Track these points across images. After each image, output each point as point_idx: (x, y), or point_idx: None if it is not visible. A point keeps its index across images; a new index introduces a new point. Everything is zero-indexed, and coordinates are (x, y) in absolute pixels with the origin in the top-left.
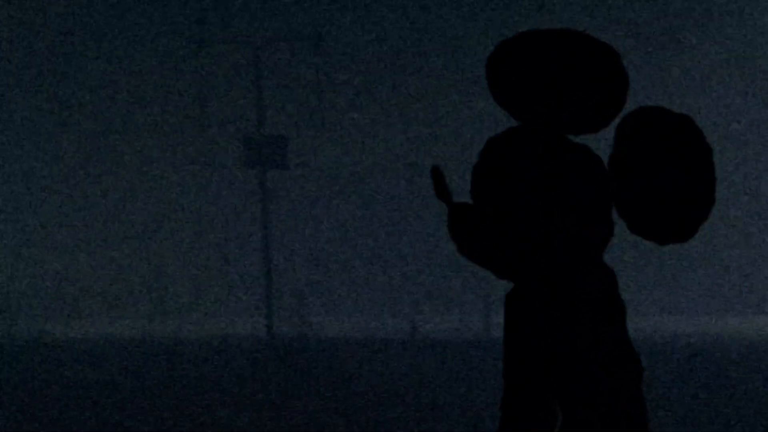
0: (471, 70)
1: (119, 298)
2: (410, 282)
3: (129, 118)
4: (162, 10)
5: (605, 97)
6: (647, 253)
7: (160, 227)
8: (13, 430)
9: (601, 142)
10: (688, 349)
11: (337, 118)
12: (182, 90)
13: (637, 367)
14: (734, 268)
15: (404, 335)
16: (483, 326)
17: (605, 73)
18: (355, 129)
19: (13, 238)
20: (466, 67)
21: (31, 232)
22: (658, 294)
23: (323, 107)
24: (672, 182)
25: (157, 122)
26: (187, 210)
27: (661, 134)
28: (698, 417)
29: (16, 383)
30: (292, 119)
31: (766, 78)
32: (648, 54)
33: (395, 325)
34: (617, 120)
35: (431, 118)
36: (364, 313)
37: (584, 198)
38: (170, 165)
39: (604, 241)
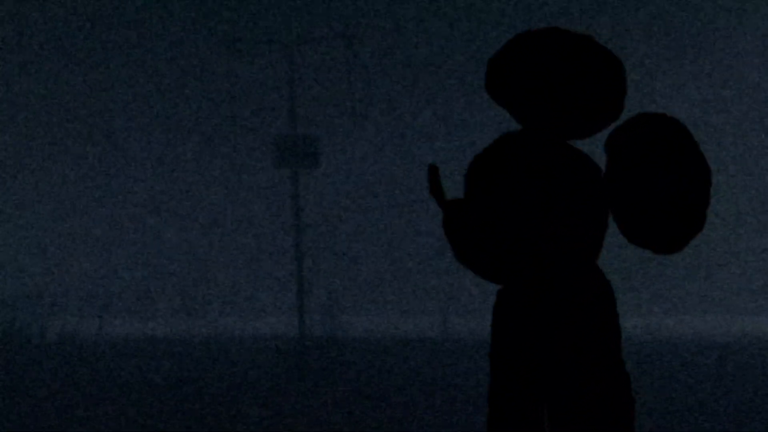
0: None
1: (150, 298)
2: (441, 281)
3: (159, 117)
4: (193, 9)
5: (603, 101)
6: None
7: (190, 226)
8: (45, 430)
9: (600, 154)
10: (717, 349)
11: (369, 118)
12: (213, 89)
13: (626, 377)
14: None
15: (435, 334)
16: None
17: (604, 77)
18: (387, 129)
19: (44, 237)
20: None
21: (62, 231)
22: (686, 291)
23: (356, 107)
24: (666, 190)
25: (188, 121)
26: (218, 209)
27: (654, 141)
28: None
29: (48, 383)
30: (325, 119)
31: None
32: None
33: (426, 324)
34: (612, 126)
35: (466, 119)
36: (395, 312)
37: (579, 202)
38: (201, 164)
39: (598, 245)
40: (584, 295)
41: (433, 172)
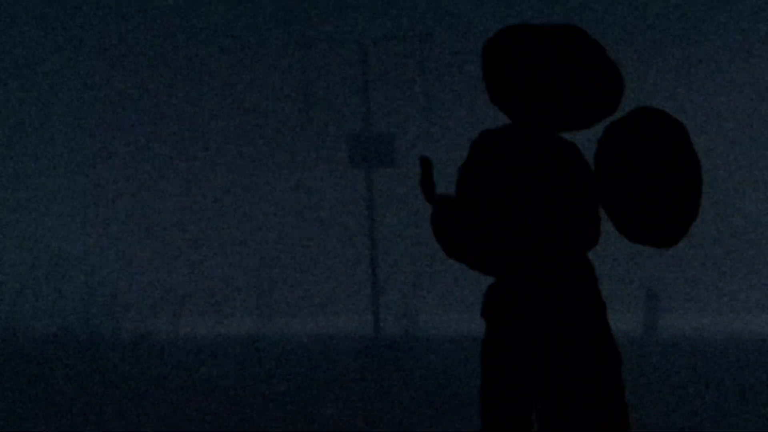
0: None
1: (225, 297)
2: None
3: (233, 118)
4: (268, 9)
5: (596, 94)
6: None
7: (265, 226)
8: (120, 430)
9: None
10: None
11: (444, 117)
12: (288, 88)
13: (617, 362)
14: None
15: None
16: None
17: (597, 70)
18: (462, 127)
19: (118, 236)
20: None
21: (136, 230)
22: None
23: (431, 105)
24: (658, 186)
25: (263, 121)
26: (293, 209)
27: (647, 137)
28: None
29: (123, 383)
30: (399, 118)
31: None
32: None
33: None
34: (606, 118)
35: None
36: (470, 311)
37: (572, 194)
38: (276, 164)
39: (590, 238)
40: (576, 289)
41: (426, 165)
